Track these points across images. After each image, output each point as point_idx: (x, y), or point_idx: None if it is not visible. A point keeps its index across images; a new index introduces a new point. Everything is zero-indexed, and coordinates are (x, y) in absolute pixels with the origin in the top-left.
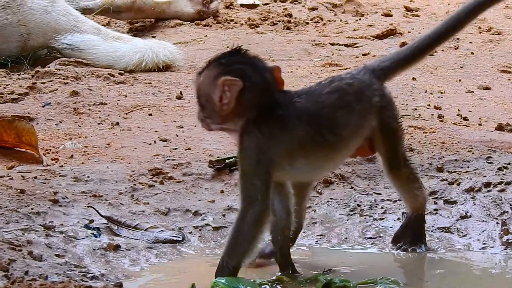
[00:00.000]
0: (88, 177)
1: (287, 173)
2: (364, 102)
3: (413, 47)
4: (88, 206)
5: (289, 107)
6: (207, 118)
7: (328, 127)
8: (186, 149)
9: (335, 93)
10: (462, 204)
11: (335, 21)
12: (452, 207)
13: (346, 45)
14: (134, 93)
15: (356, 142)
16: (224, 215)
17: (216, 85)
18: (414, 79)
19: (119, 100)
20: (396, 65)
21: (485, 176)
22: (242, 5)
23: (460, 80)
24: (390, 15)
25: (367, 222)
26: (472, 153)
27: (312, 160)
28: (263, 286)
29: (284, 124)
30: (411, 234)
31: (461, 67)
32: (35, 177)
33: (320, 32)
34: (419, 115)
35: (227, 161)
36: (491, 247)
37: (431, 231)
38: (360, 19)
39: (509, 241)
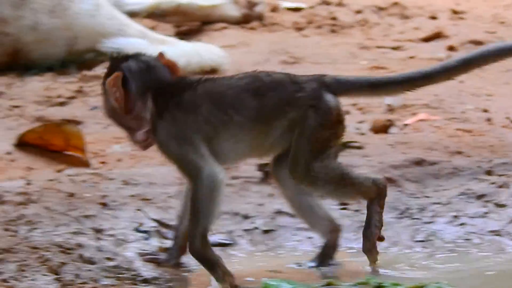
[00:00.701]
0: (136, 180)
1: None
2: (280, 92)
3: (384, 79)
4: (137, 210)
5: (190, 90)
6: (134, 132)
7: (233, 106)
8: None
9: (246, 78)
10: None
11: (380, 24)
12: (502, 210)
13: (392, 48)
14: None
15: (273, 129)
16: (273, 218)
17: (107, 94)
18: (461, 82)
19: None
20: (356, 85)
21: None
22: (287, 9)
23: (508, 83)
24: (436, 18)
25: (416, 225)
26: None
27: (228, 142)
28: None
29: (186, 105)
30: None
31: (509, 70)
32: (84, 181)
33: (365, 35)
34: (467, 118)
35: None
36: None
37: (481, 234)
38: (405, 22)
39: None
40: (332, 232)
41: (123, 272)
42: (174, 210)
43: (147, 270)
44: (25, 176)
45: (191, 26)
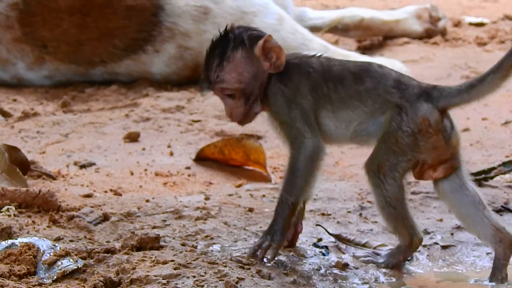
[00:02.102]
0: (316, 195)
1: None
2: (378, 83)
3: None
4: (316, 225)
5: (310, 57)
6: (253, 103)
7: (332, 81)
8: None
9: (357, 63)
10: None
11: None
12: None
13: None
14: None
15: (355, 113)
16: (452, 234)
17: (257, 58)
18: None
19: None
20: (456, 91)
21: None
22: (470, 24)
23: None
24: None
25: None
26: None
27: (320, 113)
28: None
29: (302, 68)
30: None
31: None
32: (263, 196)
33: None
34: None
35: None
36: None
37: None
38: None
39: None
40: (501, 242)
41: (301, 287)
42: (353, 225)
43: (324, 286)
44: (204, 191)
45: (373, 40)
